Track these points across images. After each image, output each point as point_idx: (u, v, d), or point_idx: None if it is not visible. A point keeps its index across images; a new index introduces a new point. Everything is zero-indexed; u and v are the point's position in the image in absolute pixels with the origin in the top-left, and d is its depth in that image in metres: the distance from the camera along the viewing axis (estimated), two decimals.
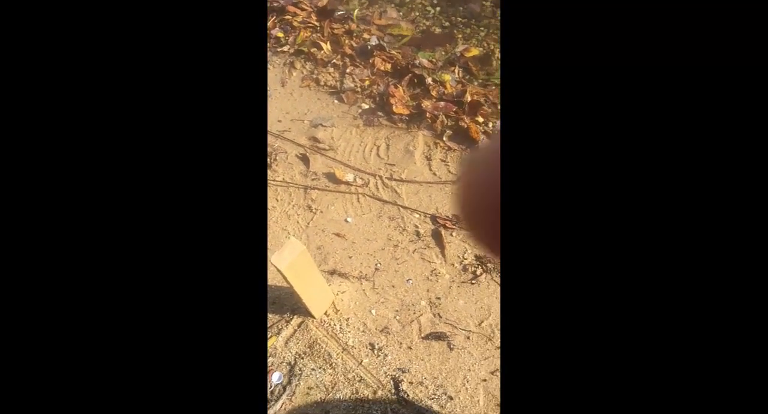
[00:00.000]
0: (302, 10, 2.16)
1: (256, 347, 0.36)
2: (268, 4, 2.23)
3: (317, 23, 2.10)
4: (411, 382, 1.06)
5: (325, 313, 1.18)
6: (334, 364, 1.09)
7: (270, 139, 1.69)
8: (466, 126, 1.61)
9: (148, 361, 0.34)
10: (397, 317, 1.18)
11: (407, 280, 1.25)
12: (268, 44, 2.09)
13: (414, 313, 1.18)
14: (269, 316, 1.18)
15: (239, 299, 0.36)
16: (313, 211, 1.44)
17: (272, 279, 1.27)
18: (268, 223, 1.42)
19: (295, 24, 2.11)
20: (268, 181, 1.54)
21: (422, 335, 1.14)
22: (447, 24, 2.07)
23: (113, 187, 0.34)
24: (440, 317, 1.17)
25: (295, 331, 1.15)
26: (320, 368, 1.09)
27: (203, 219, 0.35)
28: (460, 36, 2.00)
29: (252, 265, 0.36)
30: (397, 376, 1.07)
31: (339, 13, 2.12)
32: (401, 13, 2.13)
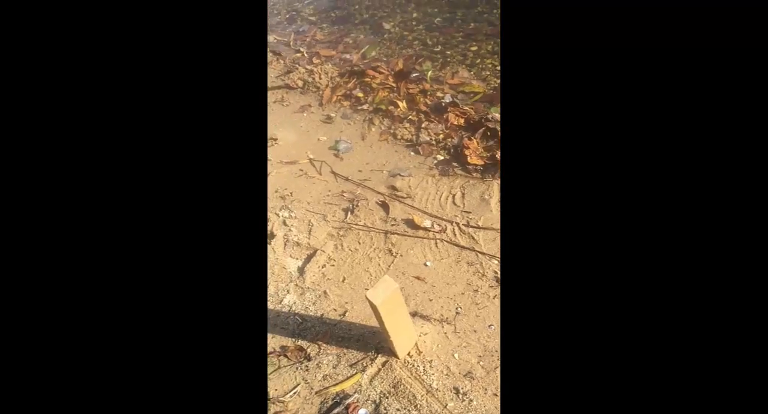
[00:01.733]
0: (380, 73, 2.37)
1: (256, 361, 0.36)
2: (350, 68, 2.47)
3: (394, 84, 2.29)
4: None
5: (408, 354, 1.20)
6: (419, 406, 1.09)
7: (351, 186, 1.82)
8: None
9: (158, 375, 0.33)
10: (481, 362, 1.17)
11: (489, 326, 1.25)
12: (349, 103, 2.30)
13: (498, 360, 1.17)
14: (354, 353, 1.22)
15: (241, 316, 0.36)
16: (393, 254, 1.50)
17: (356, 317, 1.32)
18: (351, 263, 1.50)
19: (373, 85, 2.32)
20: (350, 226, 1.63)
21: None
22: None
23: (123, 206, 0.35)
24: None
25: (380, 369, 1.18)
26: (405, 409, 1.10)
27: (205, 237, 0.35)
28: None
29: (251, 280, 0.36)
30: None
31: (414, 74, 2.30)
32: (473, 72, 2.28)
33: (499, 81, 2.19)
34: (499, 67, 2.29)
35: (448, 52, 2.46)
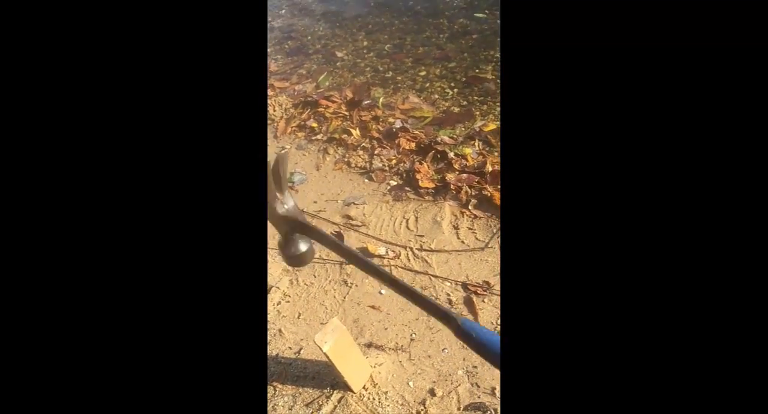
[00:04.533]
0: (333, 102, 2.42)
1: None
2: (304, 99, 2.51)
3: (347, 112, 2.34)
4: None
5: (364, 387, 1.20)
6: None
7: (307, 219, 1.83)
8: (489, 194, 1.69)
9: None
10: (435, 388, 1.18)
11: (443, 350, 1.27)
12: (303, 134, 2.32)
13: (452, 384, 1.18)
14: (310, 391, 1.22)
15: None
16: (349, 285, 1.51)
17: (311, 354, 1.32)
18: (306, 298, 1.50)
19: (327, 115, 2.36)
20: None
21: (461, 407, 1.13)
22: (465, 103, 2.25)
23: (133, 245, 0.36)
24: (478, 387, 1.16)
25: (336, 406, 1.17)
26: None
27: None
28: (477, 113, 2.16)
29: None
30: None
31: (366, 102, 2.36)
32: (422, 97, 2.34)
33: (446, 104, 2.26)
34: (447, 90, 2.36)
35: (399, 78, 2.53)
